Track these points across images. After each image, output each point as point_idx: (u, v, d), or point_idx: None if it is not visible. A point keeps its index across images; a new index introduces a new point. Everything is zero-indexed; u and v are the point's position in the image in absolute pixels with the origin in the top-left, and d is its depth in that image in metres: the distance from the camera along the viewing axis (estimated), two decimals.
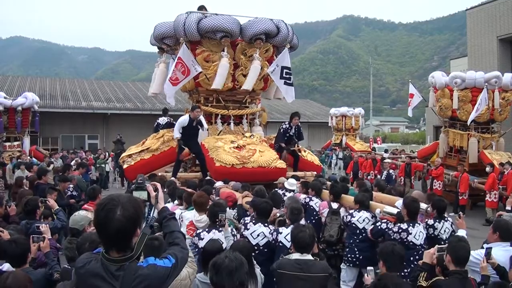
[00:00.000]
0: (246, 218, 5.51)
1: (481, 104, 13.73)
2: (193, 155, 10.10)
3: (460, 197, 13.75)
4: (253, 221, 5.30)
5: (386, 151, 26.27)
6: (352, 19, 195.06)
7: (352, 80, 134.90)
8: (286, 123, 10.84)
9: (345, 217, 6.19)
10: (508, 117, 15.49)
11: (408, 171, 16.56)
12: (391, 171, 16.12)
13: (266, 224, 5.28)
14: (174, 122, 10.67)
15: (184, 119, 9.51)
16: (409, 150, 29.93)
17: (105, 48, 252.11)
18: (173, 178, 8.87)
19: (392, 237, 5.28)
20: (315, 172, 10.52)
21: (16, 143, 18.16)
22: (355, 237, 6.01)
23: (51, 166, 14.18)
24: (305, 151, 11.58)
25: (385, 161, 17.58)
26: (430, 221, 5.73)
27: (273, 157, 9.30)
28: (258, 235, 5.18)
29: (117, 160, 17.25)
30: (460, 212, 5.43)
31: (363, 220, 5.98)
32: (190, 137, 9.54)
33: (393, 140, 62.23)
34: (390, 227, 5.39)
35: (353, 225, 6.01)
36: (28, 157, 17.27)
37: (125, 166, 10.54)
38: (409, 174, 16.55)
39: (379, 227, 5.56)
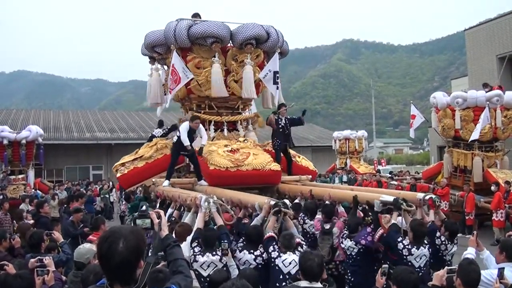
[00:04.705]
0: (234, 246, 5.54)
1: (483, 122, 13.77)
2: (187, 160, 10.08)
3: (467, 217, 13.65)
4: (239, 248, 5.39)
5: (391, 173, 26.09)
6: (352, 43, 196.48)
7: (354, 102, 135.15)
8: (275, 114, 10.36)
9: (338, 238, 6.39)
10: (511, 135, 15.49)
11: None
12: None
13: (251, 251, 5.32)
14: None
15: (186, 126, 9.13)
16: (413, 171, 29.74)
17: (108, 79, 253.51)
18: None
19: (394, 250, 5.35)
20: (310, 176, 10.47)
21: (20, 176, 18.17)
22: (347, 260, 6.19)
23: (56, 198, 14.18)
24: (299, 157, 11.48)
25: (391, 182, 17.57)
26: (443, 238, 5.83)
27: (267, 159, 9.23)
28: (244, 263, 5.26)
29: (122, 191, 17.21)
30: (475, 232, 5.41)
31: (351, 248, 6.07)
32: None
33: (397, 161, 62.00)
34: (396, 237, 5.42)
35: (344, 249, 6.20)
36: (33, 190, 17.30)
37: (118, 174, 10.51)
38: None
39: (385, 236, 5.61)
